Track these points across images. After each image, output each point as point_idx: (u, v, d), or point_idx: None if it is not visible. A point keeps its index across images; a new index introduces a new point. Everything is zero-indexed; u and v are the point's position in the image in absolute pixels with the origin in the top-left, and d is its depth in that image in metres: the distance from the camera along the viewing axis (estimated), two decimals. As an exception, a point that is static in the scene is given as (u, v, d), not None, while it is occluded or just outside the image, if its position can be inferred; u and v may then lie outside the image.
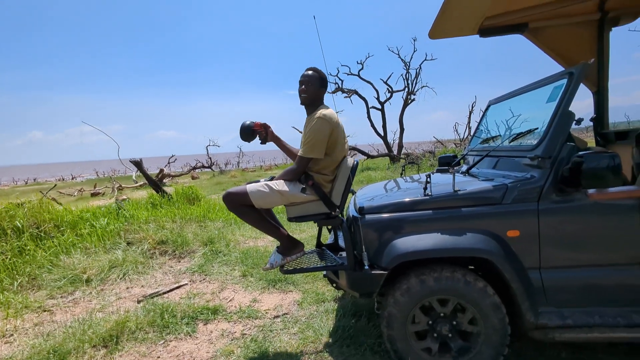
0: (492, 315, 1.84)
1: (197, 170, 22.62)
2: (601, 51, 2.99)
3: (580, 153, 1.70)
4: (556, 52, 3.10)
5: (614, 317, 1.78)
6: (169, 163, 20.16)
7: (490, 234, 1.85)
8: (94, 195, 15.11)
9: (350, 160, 2.28)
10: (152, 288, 3.46)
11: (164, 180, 15.78)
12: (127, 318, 2.74)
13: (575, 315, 1.81)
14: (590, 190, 1.74)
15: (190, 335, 2.60)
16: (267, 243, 4.76)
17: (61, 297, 3.32)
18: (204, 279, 3.64)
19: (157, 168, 17.36)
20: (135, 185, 15.48)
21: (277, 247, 2.37)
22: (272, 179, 2.28)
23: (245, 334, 2.60)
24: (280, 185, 2.19)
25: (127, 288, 3.49)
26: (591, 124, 3.13)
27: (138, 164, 6.90)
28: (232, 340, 2.52)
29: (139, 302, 3.16)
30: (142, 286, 3.52)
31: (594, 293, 1.82)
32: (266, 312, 2.90)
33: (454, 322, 1.93)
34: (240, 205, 2.20)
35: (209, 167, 23.37)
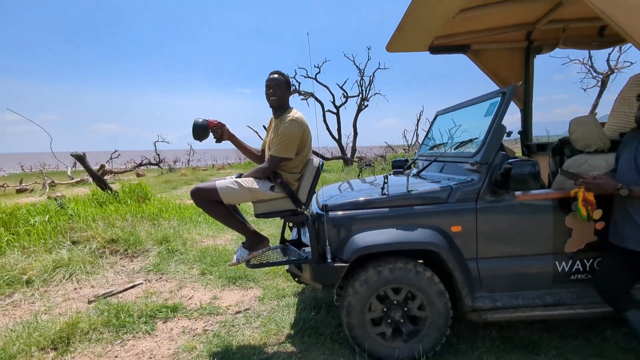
0: (438, 301, 2.10)
1: (142, 168, 21.29)
2: (527, 74, 3.51)
3: (509, 161, 2.02)
4: (492, 72, 3.56)
5: (533, 298, 2.13)
6: (111, 158, 18.75)
7: (437, 229, 2.11)
8: (20, 191, 13.60)
9: (316, 160, 2.43)
10: (104, 288, 3.31)
11: (105, 177, 14.66)
12: (78, 319, 2.62)
13: (504, 298, 2.13)
14: (517, 192, 2.08)
15: (149, 334, 2.56)
16: (226, 242, 4.75)
17: (-2, 299, 3.05)
18: (160, 278, 3.56)
19: (97, 164, 16.05)
20: (71, 181, 14.20)
21: (243, 242, 2.44)
22: (240, 176, 2.35)
23: (207, 329, 2.63)
24: (249, 182, 2.27)
25: (75, 289, 3.29)
26: (518, 136, 3.63)
27: (81, 158, 6.41)
28: (193, 336, 2.54)
29: (90, 302, 3.02)
30: (93, 286, 3.35)
31: (518, 279, 2.15)
32: (227, 309, 2.94)
33: (405, 309, 2.16)
34: (209, 200, 2.25)
35: (157, 164, 22.11)
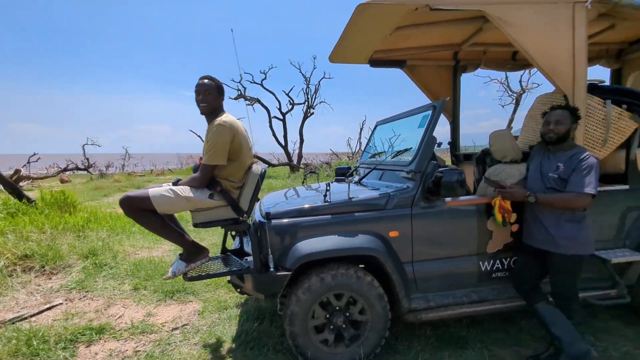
0: (378, 304, 2.18)
1: (68, 173, 19.16)
2: (455, 90, 3.85)
3: (440, 169, 2.19)
4: (425, 87, 3.86)
5: (461, 296, 2.31)
6: (29, 162, 16.58)
7: (376, 235, 2.20)
8: None
9: (258, 167, 2.39)
10: (13, 312, 2.88)
11: (21, 184, 12.91)
12: (-22, 350, 2.25)
13: (436, 298, 2.29)
14: (447, 199, 2.26)
15: (68, 361, 2.29)
16: (163, 253, 4.44)
17: None
18: (84, 297, 3.21)
19: (11, 168, 14.11)
20: (-25, 189, 12.28)
21: (180, 254, 2.31)
22: (177, 181, 2.23)
23: (139, 350, 2.43)
24: (186, 191, 2.15)
25: (-24, 315, 2.83)
26: (448, 146, 3.97)
27: (-13, 163, 5.57)
28: (122, 359, 2.33)
29: (-6, 330, 2.61)
30: (-1, 311, 2.91)
31: (448, 279, 2.32)
32: (163, 326, 2.75)
33: (347, 314, 2.21)
34: (141, 210, 2.08)
35: (86, 169, 20.04)
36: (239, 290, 2.54)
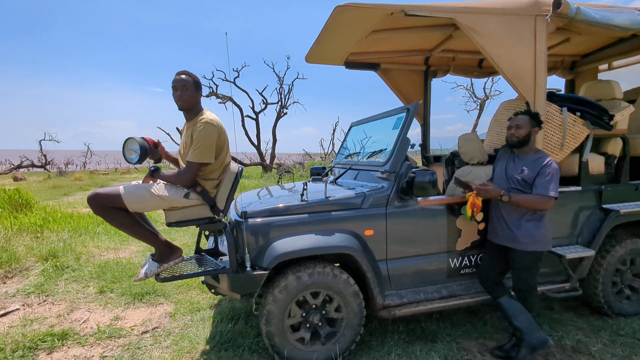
0: (353, 301, 2.22)
1: (22, 170, 17.86)
2: (426, 94, 4.00)
3: (413, 170, 2.28)
4: (397, 90, 3.99)
5: (432, 292, 2.41)
6: (-25, 159, 15.29)
7: (352, 234, 2.25)
8: None
9: (235, 166, 2.36)
10: (-37, 319, 2.67)
11: (-33, 182, 11.88)
12: None
13: (409, 294, 2.37)
14: (419, 198, 2.35)
15: (28, 369, 2.16)
16: (131, 254, 4.26)
17: None
18: (44, 301, 3.02)
19: (-46, 165, 12.93)
20: None
21: (152, 254, 2.24)
22: (156, 170, 2.12)
23: (107, 356, 2.33)
24: (160, 189, 2.09)
25: None
26: (419, 148, 4.11)
27: None
28: (88, 365, 2.22)
29: (-59, 339, 2.40)
30: (-54, 319, 2.67)
31: (420, 276, 2.42)
32: (132, 329, 2.65)
33: (323, 312, 2.24)
34: (110, 207, 2.00)
35: (42, 166, 18.77)
36: (213, 290, 2.50)
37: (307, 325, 2.22)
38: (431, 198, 2.39)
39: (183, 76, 2.18)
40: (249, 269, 2.09)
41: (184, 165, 2.19)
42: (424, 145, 4.12)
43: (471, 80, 17.72)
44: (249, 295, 2.23)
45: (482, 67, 3.95)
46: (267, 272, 2.09)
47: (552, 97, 2.63)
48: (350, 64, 3.63)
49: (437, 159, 3.98)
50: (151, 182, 2.14)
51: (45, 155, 19.13)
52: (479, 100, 18.80)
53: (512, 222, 2.19)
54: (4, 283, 3.33)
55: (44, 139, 19.16)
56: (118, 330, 2.60)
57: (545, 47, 2.33)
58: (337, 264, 2.39)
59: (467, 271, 2.50)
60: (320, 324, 2.24)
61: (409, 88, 3.97)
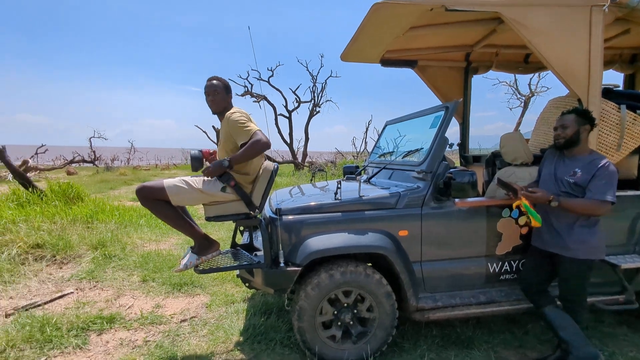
0: (386, 302, 2.20)
1: (75, 165, 19.33)
2: (466, 91, 3.84)
3: (451, 170, 2.20)
4: (435, 87, 3.86)
5: (469, 297, 2.32)
6: (36, 154, 16.76)
7: (386, 234, 2.22)
8: None
9: (270, 164, 2.42)
10: (26, 299, 2.94)
11: (29, 174, 13.06)
12: (-8, 335, 2.31)
13: (444, 298, 2.30)
14: (457, 199, 2.27)
15: (80, 348, 2.34)
16: (171, 246, 4.49)
17: None
18: (94, 286, 3.26)
19: (18, 159, 14.25)
20: (-16, 178, 12.43)
21: (191, 247, 2.34)
22: (230, 161, 2.13)
23: (149, 340, 2.47)
24: (199, 183, 2.19)
25: (-11, 301, 2.89)
26: (457, 147, 3.97)
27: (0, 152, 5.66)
28: (133, 348, 2.37)
29: (7, 316, 2.66)
30: (12, 297, 2.96)
31: (456, 280, 2.34)
32: (171, 317, 2.79)
33: (355, 311, 2.23)
34: (155, 200, 2.13)
35: (92, 162, 20.21)
36: (247, 284, 2.57)
37: (339, 323, 2.22)
38: (470, 200, 2.30)
39: (214, 82, 2.33)
40: (282, 264, 2.13)
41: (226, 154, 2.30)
42: (463, 145, 3.96)
43: (515, 76, 16.72)
44: (281, 290, 2.27)
45: (528, 63, 3.73)
46: (299, 268, 2.11)
47: (608, 93, 2.43)
48: (386, 62, 3.57)
49: (477, 159, 3.81)
50: (203, 178, 2.24)
51: (94, 152, 20.57)
52: (523, 97, 17.66)
53: (562, 227, 2.05)
54: (60, 268, 3.64)
55: (93, 137, 20.61)
56: (159, 317, 2.75)
57: (601, 40, 2.15)
58: (370, 264, 2.37)
59: (508, 277, 2.38)
60: (351, 322, 2.23)
61: (448, 85, 3.84)
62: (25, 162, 13.15)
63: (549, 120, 2.63)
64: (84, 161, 19.77)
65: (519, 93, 17.77)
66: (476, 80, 4.03)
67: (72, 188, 6.04)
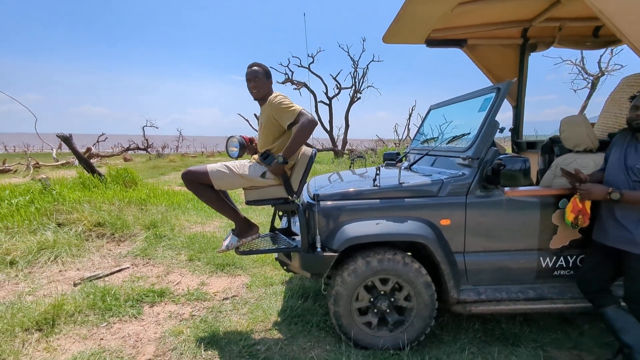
0: (424, 292, 2.13)
1: (130, 152, 20.90)
2: (521, 72, 3.53)
3: (501, 156, 2.04)
4: (487, 68, 3.58)
5: (516, 292, 2.18)
6: (97, 142, 18.34)
7: (426, 222, 2.13)
8: (2, 172, 13.22)
9: (308, 150, 2.42)
10: (90, 271, 3.26)
11: (91, 161, 14.37)
12: (63, 301, 2.58)
13: (488, 291, 2.18)
14: (506, 188, 2.11)
15: (135, 318, 2.55)
16: (215, 229, 4.72)
17: (-21, 280, 2.98)
18: (147, 263, 3.53)
19: (83, 146, 15.71)
20: (56, 163, 13.87)
21: (233, 229, 2.43)
22: (283, 157, 2.20)
23: (194, 315, 2.63)
24: (240, 167, 2.25)
25: (60, 271, 3.24)
26: (509, 133, 3.68)
27: (67, 140, 6.24)
28: (180, 321, 2.53)
29: (75, 285, 2.98)
30: (78, 269, 3.30)
31: (502, 273, 2.20)
32: (215, 295, 2.94)
33: (392, 299, 2.19)
34: (199, 184, 2.23)
35: (145, 149, 21.73)
36: (285, 267, 2.62)
37: (375, 310, 2.20)
38: (521, 188, 2.12)
39: (255, 68, 2.36)
40: (319, 249, 2.13)
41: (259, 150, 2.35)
42: (516, 130, 3.66)
43: (582, 53, 14.79)
44: (318, 274, 2.28)
45: (598, 36, 3.30)
46: (336, 254, 2.10)
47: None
48: (432, 42, 3.36)
49: (531, 145, 3.51)
50: (244, 163, 2.33)
51: (147, 140, 22.05)
52: (591, 78, 15.55)
53: (630, 221, 1.82)
54: (118, 245, 3.98)
55: (146, 125, 22.05)
56: (203, 294, 2.91)
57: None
58: (409, 253, 2.30)
59: (563, 273, 2.19)
60: (388, 310, 2.20)
61: (501, 65, 3.54)
62: (88, 150, 14.47)
63: (620, 101, 2.33)
64: (138, 148, 21.30)
65: (586, 72, 15.69)
66: (533, 60, 3.66)
67: (128, 173, 6.54)
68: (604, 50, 13.04)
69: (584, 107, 14.97)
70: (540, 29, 3.30)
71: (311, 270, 2.23)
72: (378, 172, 2.26)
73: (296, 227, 2.71)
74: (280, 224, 2.96)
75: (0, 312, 2.45)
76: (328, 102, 17.14)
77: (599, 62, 14.91)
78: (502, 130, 2.26)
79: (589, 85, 15.50)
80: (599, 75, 15.08)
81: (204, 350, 2.18)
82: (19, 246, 3.41)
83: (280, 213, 3.05)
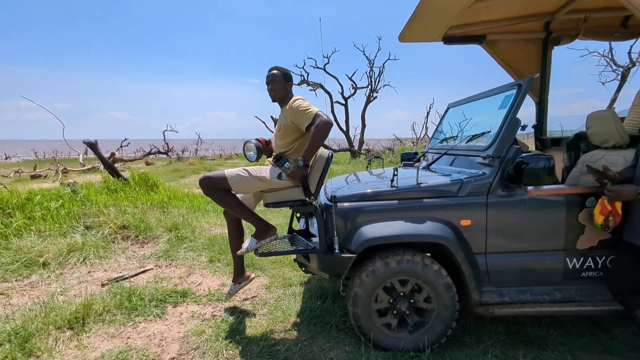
0: (445, 294, 2.10)
1: (151, 156, 21.50)
2: (544, 66, 3.41)
3: (523, 155, 1.99)
4: (508, 64, 3.48)
5: (541, 294, 2.11)
6: (121, 147, 18.95)
7: (446, 223, 2.10)
8: (34, 177, 13.88)
9: (325, 152, 2.43)
10: (117, 272, 3.38)
11: (115, 165, 14.88)
12: (92, 301, 2.69)
13: (511, 293, 2.12)
14: (529, 187, 2.05)
15: (159, 317, 2.63)
16: (234, 230, 4.79)
17: (16, 280, 3.14)
18: (170, 264, 3.63)
19: (107, 151, 16.28)
20: (83, 168, 14.44)
21: (252, 233, 2.47)
22: (302, 160, 2.25)
23: (216, 315, 2.68)
24: (258, 171, 2.29)
25: (89, 272, 3.38)
26: (532, 130, 3.56)
27: (93, 146, 6.50)
28: (202, 321, 2.59)
29: (103, 285, 3.10)
30: (105, 270, 3.43)
31: (526, 275, 2.13)
32: (235, 295, 2.98)
33: (412, 300, 2.17)
34: (217, 189, 2.27)
35: (166, 153, 22.29)
36: (304, 268, 2.64)
37: (394, 312, 2.18)
38: (546, 187, 2.06)
39: (274, 71, 2.43)
40: (337, 251, 2.14)
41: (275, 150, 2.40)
42: (539, 127, 3.54)
43: (610, 44, 14.05)
44: (336, 276, 2.29)
45: (626, 27, 3.15)
46: (354, 255, 2.10)
47: None
48: (449, 39, 3.30)
49: (556, 142, 3.39)
50: (261, 167, 2.38)
51: (167, 144, 22.60)
52: (621, 69, 14.73)
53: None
54: (142, 247, 4.10)
55: (166, 130, 22.61)
56: (224, 295, 2.96)
57: None
58: (429, 254, 2.27)
59: (591, 274, 2.11)
60: (408, 312, 2.17)
61: (523, 61, 3.43)
62: (112, 154, 14.98)
63: (651, 94, 2.23)
64: (159, 152, 21.85)
65: (615, 64, 14.87)
66: (556, 52, 3.53)
67: (149, 177, 6.73)
68: (634, 40, 12.38)
69: (613, 100, 14.21)
70: (564, 22, 3.19)
71: (329, 272, 2.24)
72: (396, 172, 2.24)
73: (314, 228, 2.72)
74: (298, 225, 2.98)
75: (35, 311, 2.57)
76: (344, 102, 17.11)
77: (629, 53, 14.08)
78: (524, 127, 2.20)
79: (619, 77, 14.66)
80: (630, 66, 14.24)
81: (226, 350, 2.22)
82: (51, 248, 3.58)
83: (298, 215, 3.07)
